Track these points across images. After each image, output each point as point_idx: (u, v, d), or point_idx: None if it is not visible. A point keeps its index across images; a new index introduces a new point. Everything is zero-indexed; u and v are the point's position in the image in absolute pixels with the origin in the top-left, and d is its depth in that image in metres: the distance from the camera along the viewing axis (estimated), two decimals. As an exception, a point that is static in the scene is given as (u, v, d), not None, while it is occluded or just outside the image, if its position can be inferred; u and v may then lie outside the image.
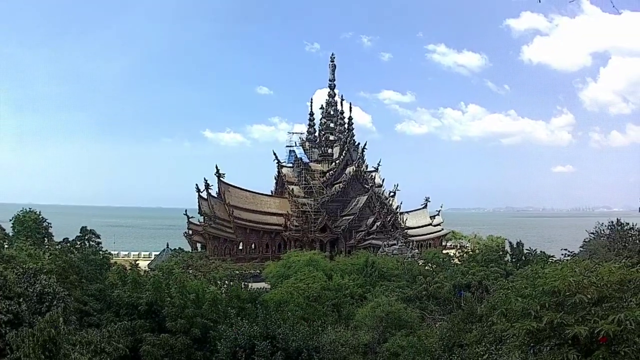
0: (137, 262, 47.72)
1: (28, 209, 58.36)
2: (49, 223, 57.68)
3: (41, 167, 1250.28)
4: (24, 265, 21.93)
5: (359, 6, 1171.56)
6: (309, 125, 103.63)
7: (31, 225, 54.95)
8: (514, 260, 43.01)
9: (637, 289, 10.78)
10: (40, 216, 57.53)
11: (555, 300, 10.98)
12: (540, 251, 43.34)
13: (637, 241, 36.17)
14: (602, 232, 44.29)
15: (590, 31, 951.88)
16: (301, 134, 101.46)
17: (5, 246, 35.95)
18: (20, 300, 17.33)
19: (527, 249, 43.53)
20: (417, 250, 76.46)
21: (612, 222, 43.02)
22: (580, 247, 46.39)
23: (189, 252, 75.39)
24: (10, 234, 50.00)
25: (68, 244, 46.12)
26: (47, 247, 44.30)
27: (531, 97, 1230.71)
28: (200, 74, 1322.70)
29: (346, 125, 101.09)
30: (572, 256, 27.01)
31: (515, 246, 44.38)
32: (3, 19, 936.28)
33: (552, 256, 40.58)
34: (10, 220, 56.60)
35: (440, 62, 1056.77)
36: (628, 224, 40.84)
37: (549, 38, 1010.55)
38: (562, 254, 29.44)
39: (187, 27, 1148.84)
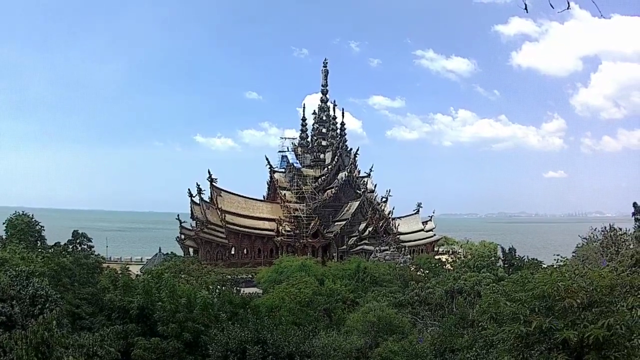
0: (129, 266, 47.56)
1: (21, 212, 57.92)
2: (41, 226, 57.49)
3: (33, 170, 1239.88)
4: (17, 268, 21.84)
5: (347, 12, 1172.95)
6: (301, 130, 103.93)
7: (24, 228, 54.70)
8: (506, 265, 43.09)
9: (627, 294, 10.85)
10: (33, 219, 57.24)
11: (544, 304, 10.94)
12: (531, 258, 43.46)
13: (630, 246, 36.38)
14: (595, 237, 44.51)
15: (580, 36, 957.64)
16: (293, 139, 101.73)
17: (-2, 249, 35.80)
18: (13, 302, 17.33)
19: (518, 255, 43.66)
20: (409, 256, 76.60)
21: (605, 227, 43.29)
22: (573, 252, 46.57)
23: (181, 256, 75.14)
24: (3, 237, 49.92)
25: (60, 248, 46.05)
26: (39, 250, 44.03)
27: (521, 102, 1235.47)
28: (190, 79, 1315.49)
29: (338, 131, 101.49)
30: (564, 262, 27.06)
31: (507, 252, 44.52)
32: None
33: (542, 262, 40.63)
34: (3, 224, 56.46)
35: (428, 68, 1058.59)
36: (621, 229, 41.07)
37: (538, 43, 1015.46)
38: (555, 259, 29.55)
39: (177, 32, 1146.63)
